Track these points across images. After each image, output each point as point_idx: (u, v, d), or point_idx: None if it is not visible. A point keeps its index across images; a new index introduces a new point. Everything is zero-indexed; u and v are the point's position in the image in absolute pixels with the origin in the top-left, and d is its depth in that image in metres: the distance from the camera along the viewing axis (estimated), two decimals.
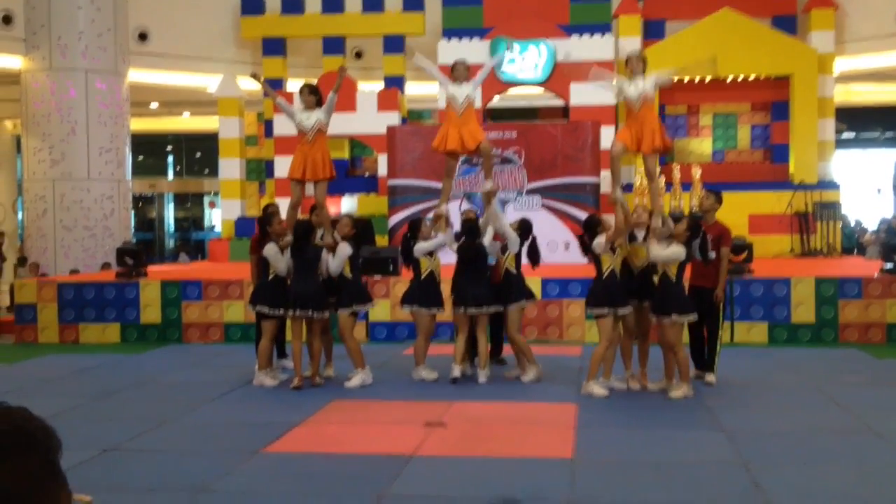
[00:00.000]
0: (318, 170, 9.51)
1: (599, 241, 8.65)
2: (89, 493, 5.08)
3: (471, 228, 9.39)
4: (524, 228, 9.50)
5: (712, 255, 8.90)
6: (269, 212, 9.74)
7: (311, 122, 9.53)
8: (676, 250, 8.49)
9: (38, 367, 11.14)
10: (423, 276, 9.41)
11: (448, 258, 9.70)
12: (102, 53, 17.78)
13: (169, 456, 6.80)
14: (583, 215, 15.38)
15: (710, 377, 9.18)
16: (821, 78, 18.85)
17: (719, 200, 9.46)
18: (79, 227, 17.52)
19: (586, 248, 8.86)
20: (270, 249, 9.19)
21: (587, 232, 8.92)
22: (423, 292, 9.40)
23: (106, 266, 16.64)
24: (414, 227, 9.65)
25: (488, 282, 9.30)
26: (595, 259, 8.81)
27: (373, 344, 12.30)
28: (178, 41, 21.42)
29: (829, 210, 18.00)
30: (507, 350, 10.21)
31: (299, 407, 8.29)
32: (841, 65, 20.12)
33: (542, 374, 9.39)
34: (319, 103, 9.64)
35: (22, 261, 18.24)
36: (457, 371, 9.27)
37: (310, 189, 9.91)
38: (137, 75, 19.82)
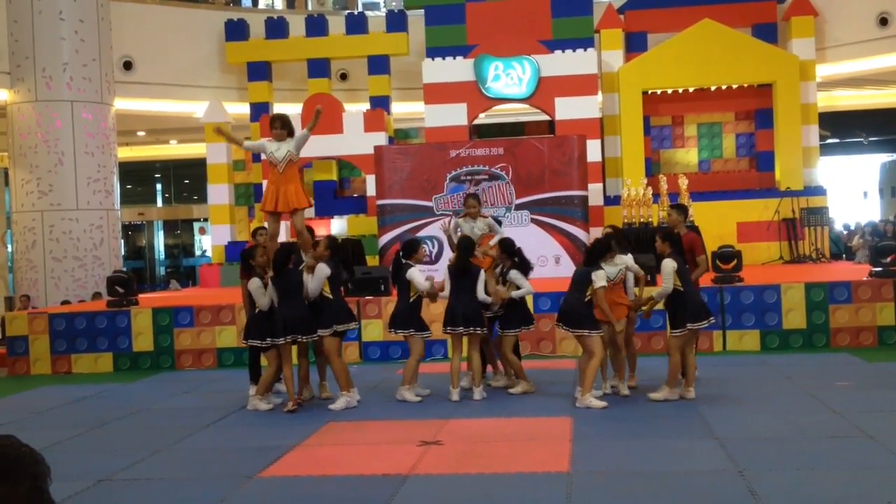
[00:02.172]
0: (290, 201, 9.42)
1: (601, 280, 8.77)
2: None
3: (464, 248, 9.40)
4: (508, 250, 9.51)
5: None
6: (251, 246, 9.74)
7: (282, 154, 9.41)
8: (667, 265, 8.69)
9: (31, 399, 11.09)
10: (411, 299, 9.39)
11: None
12: (87, 84, 17.82)
13: (164, 484, 6.77)
14: (572, 229, 15.51)
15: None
16: (803, 85, 19.00)
17: (682, 213, 9.90)
18: (69, 257, 17.50)
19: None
20: (254, 284, 9.19)
21: (591, 259, 9.02)
22: (414, 316, 9.37)
23: (97, 295, 16.61)
24: (408, 248, 9.55)
25: (477, 301, 9.30)
26: (582, 283, 8.88)
27: (366, 364, 12.29)
28: (163, 69, 21.48)
29: (817, 216, 18.10)
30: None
31: (293, 430, 8.28)
32: (822, 71, 20.30)
33: (532, 390, 9.46)
34: (291, 134, 9.56)
35: (9, 301, 18.16)
36: (455, 395, 9.26)
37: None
38: (123, 104, 19.85)
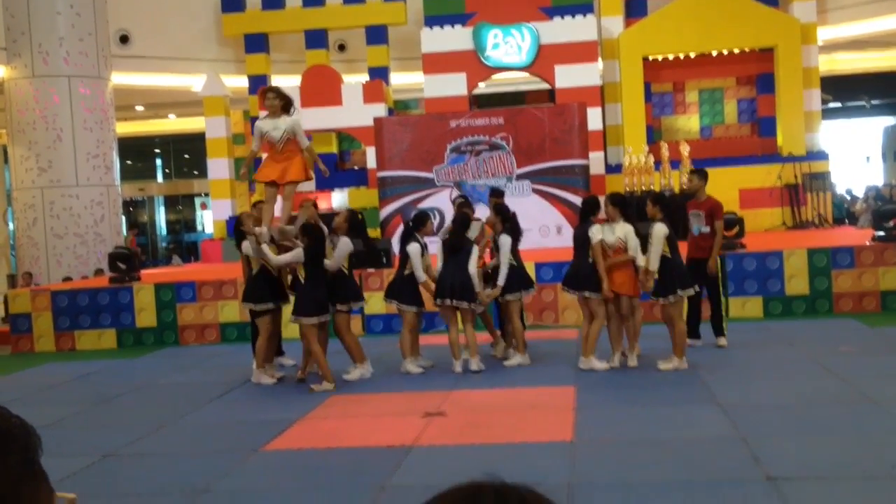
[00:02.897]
0: (287, 174, 9.22)
1: (595, 233, 8.80)
2: (90, 499, 5.06)
3: (461, 222, 9.36)
4: (502, 214, 9.48)
5: (706, 228, 9.56)
6: (240, 215, 9.76)
7: (279, 134, 9.13)
8: (658, 230, 8.67)
9: (35, 376, 11.13)
10: (406, 272, 9.38)
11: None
12: (84, 58, 17.69)
13: (169, 459, 6.80)
14: (574, 198, 15.43)
15: (722, 340, 9.85)
16: (804, 48, 18.84)
17: (703, 178, 9.97)
18: (69, 234, 17.47)
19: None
20: (247, 246, 9.20)
21: (585, 212, 9.14)
22: (405, 289, 9.37)
23: (99, 272, 16.61)
24: (417, 221, 9.58)
25: (468, 275, 9.17)
26: (584, 244, 8.88)
27: (369, 337, 12.30)
28: (159, 42, 21.34)
29: (819, 181, 18.03)
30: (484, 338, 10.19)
31: (297, 404, 8.30)
32: (824, 34, 20.12)
33: (527, 363, 9.44)
34: (286, 108, 9.24)
35: (11, 278, 18.13)
36: (458, 367, 9.26)
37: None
38: (121, 79, 19.74)
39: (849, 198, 22.79)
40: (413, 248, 9.29)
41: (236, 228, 9.69)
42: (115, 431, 7.68)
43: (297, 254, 8.91)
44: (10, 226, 23.00)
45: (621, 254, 8.90)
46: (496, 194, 10.37)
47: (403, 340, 9.48)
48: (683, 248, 9.76)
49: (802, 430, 6.47)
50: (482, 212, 10.80)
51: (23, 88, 17.64)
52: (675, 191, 16.47)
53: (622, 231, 8.89)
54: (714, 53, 19.48)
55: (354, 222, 9.51)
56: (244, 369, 9.88)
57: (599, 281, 8.85)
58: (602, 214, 9.29)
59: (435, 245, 9.70)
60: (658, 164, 17.26)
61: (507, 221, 9.42)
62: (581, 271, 8.96)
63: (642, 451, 6.16)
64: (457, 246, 9.21)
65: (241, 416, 8.12)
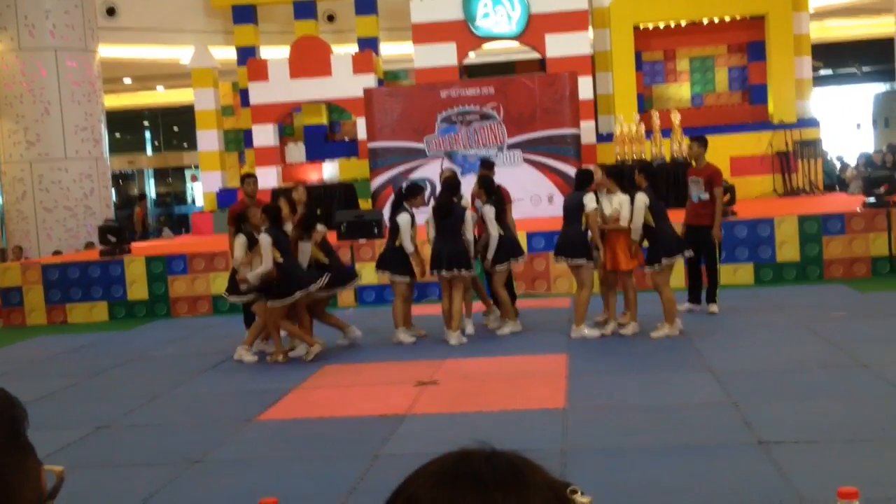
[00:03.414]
0: None
1: (590, 200, 8.81)
2: (84, 469, 5.08)
3: (448, 186, 9.34)
4: (486, 187, 9.46)
5: (706, 195, 9.66)
6: (245, 208, 9.43)
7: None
8: (638, 200, 8.72)
9: (27, 349, 11.12)
10: (396, 243, 9.36)
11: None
12: (71, 31, 17.52)
13: (162, 429, 6.82)
14: (565, 167, 15.41)
15: (713, 307, 9.94)
16: (795, 15, 18.76)
17: (703, 145, 10.06)
18: (59, 207, 17.39)
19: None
20: (265, 241, 8.75)
21: (579, 184, 9.14)
22: (396, 259, 9.35)
23: (90, 245, 16.56)
24: (409, 191, 9.51)
25: (462, 242, 9.17)
26: (577, 212, 8.88)
27: (362, 307, 12.31)
28: (146, 14, 21.13)
29: (810, 148, 18.01)
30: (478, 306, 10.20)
31: (291, 374, 8.31)
32: (815, 1, 20.03)
33: (518, 329, 9.49)
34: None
35: (2, 252, 18.01)
36: (453, 339, 9.23)
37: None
38: (108, 51, 19.55)
39: (839, 164, 22.81)
40: (403, 218, 9.26)
41: (237, 215, 9.49)
42: (108, 403, 7.69)
43: (263, 241, 8.74)
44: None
45: (624, 237, 8.88)
46: (486, 166, 10.33)
47: (396, 310, 9.49)
48: (681, 215, 9.82)
49: (793, 394, 6.51)
50: (471, 181, 10.76)
51: (9, 62, 17.48)
52: (665, 159, 16.45)
53: (618, 201, 8.87)
54: (705, 21, 19.37)
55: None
56: (236, 340, 9.86)
57: (589, 248, 8.87)
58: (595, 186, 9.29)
59: (423, 216, 9.66)
60: (649, 132, 17.22)
61: (492, 194, 9.41)
62: (572, 239, 8.96)
63: (634, 418, 6.20)
64: (446, 209, 9.17)
65: (234, 386, 8.14)
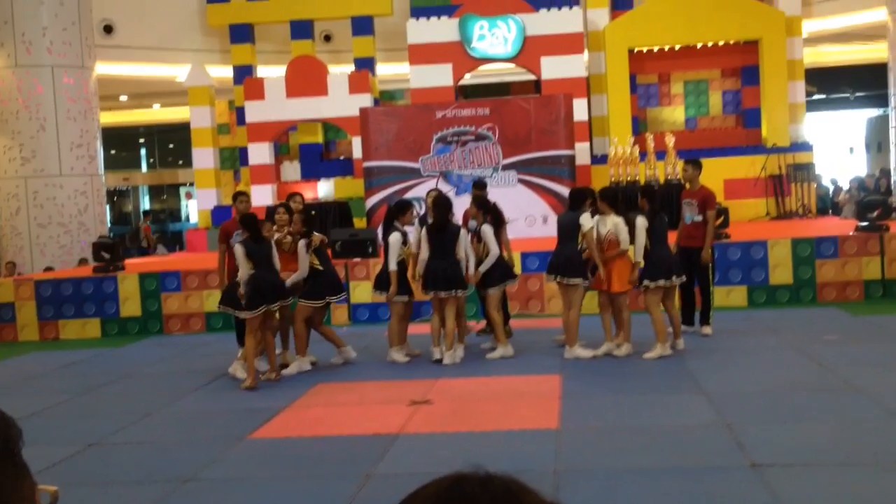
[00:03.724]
0: None
1: (587, 222, 8.91)
2: (76, 487, 5.04)
3: (439, 204, 9.23)
4: (483, 206, 9.48)
5: (699, 217, 9.79)
6: (264, 223, 9.47)
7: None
8: (639, 222, 8.85)
9: (19, 365, 11.07)
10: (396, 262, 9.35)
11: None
12: (68, 48, 17.57)
13: (155, 447, 6.79)
14: (560, 188, 15.45)
15: (707, 329, 10.00)
16: (789, 41, 18.90)
17: (698, 168, 10.17)
18: (53, 223, 17.37)
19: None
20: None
21: (574, 204, 9.21)
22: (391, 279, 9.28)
23: (83, 261, 16.53)
24: (397, 210, 9.52)
25: (457, 262, 9.16)
26: (573, 231, 8.91)
27: (356, 326, 12.30)
28: (144, 32, 21.20)
29: (803, 172, 18.11)
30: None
31: (283, 392, 8.29)
32: (809, 26, 20.20)
33: (510, 355, 9.33)
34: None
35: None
36: (437, 353, 9.25)
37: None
38: (105, 68, 19.60)
39: (833, 188, 22.91)
40: (393, 237, 9.25)
41: (250, 225, 9.24)
42: (100, 420, 7.66)
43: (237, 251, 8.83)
44: None
45: (615, 247, 8.91)
46: (479, 186, 10.39)
47: (392, 329, 9.48)
48: (674, 237, 9.89)
49: (787, 417, 6.52)
50: (465, 202, 10.78)
51: (6, 78, 17.51)
52: (660, 181, 16.51)
53: (612, 223, 8.93)
54: (699, 46, 19.51)
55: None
56: (230, 358, 9.84)
57: (585, 268, 8.88)
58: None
59: (412, 234, 9.63)
60: (644, 154, 17.30)
61: (488, 212, 9.43)
62: (568, 257, 8.97)
63: (628, 439, 6.19)
64: (442, 225, 9.10)
65: (227, 404, 8.11)
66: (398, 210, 9.53)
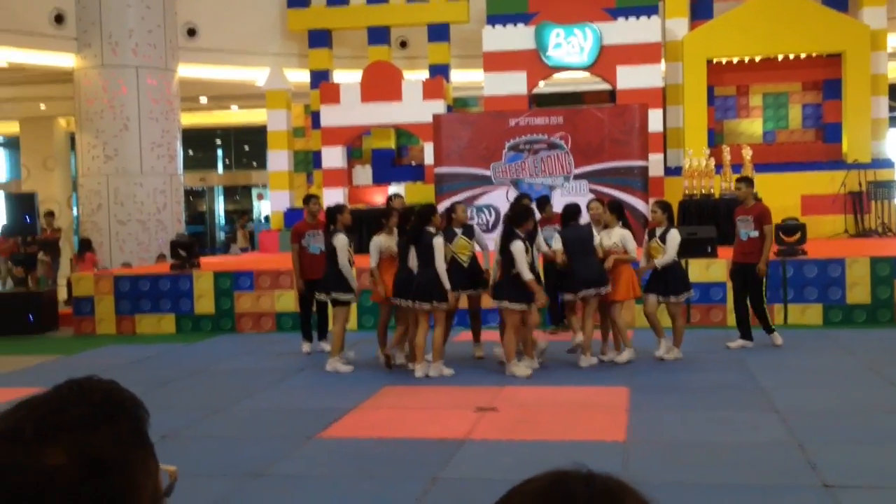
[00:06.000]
0: None
1: (596, 234, 9.53)
2: None
3: (423, 214, 9.10)
4: (619, 211, 9.70)
5: (755, 233, 9.94)
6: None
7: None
8: (674, 235, 9.42)
9: (96, 357, 11.39)
10: (466, 264, 9.36)
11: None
12: (152, 50, 18.05)
13: (225, 442, 6.93)
14: (631, 199, 15.33)
15: (777, 338, 10.09)
16: (873, 55, 18.47)
17: (750, 185, 10.33)
18: (132, 220, 17.84)
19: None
20: (341, 241, 9.33)
21: (571, 218, 9.57)
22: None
23: (161, 258, 16.93)
24: (518, 216, 9.04)
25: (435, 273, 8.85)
26: (590, 244, 9.38)
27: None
28: (226, 36, 21.64)
29: (884, 189, 17.66)
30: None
31: (351, 393, 8.38)
32: (894, 41, 19.69)
33: (529, 375, 8.89)
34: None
35: (87, 243, 17.78)
36: (419, 370, 9.03)
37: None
38: (187, 70, 20.07)
39: None
40: (437, 241, 8.90)
41: (332, 216, 9.55)
42: (172, 414, 7.83)
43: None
44: (74, 211, 23.51)
45: (629, 267, 9.43)
46: (542, 201, 11.03)
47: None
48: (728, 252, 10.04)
49: (860, 438, 6.37)
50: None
51: (92, 78, 18.05)
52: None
53: (618, 236, 9.32)
54: (780, 58, 19.17)
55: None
56: (299, 357, 10.01)
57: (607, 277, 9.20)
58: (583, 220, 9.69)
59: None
60: (719, 167, 17.05)
61: (622, 217, 9.60)
62: (596, 268, 9.22)
63: (696, 454, 6.12)
64: (417, 236, 8.90)
65: (295, 403, 8.24)
66: (518, 217, 9.03)
